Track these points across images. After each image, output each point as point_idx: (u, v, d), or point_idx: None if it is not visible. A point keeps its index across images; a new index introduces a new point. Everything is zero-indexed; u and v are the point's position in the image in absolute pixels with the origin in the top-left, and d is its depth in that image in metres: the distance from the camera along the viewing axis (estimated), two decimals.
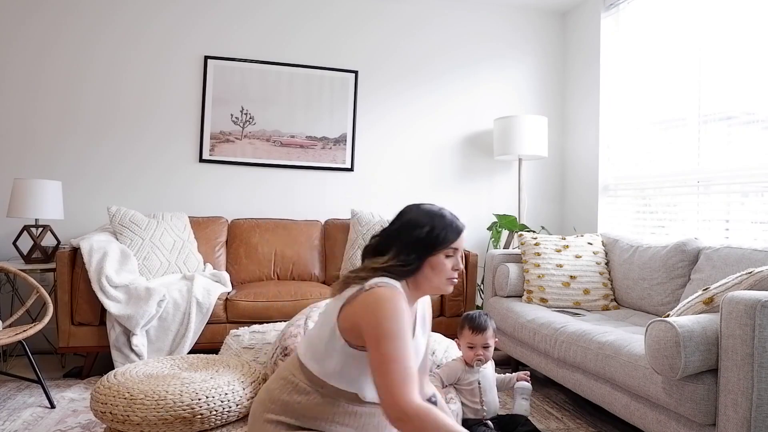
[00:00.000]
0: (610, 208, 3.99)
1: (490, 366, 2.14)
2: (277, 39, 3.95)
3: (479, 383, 2.05)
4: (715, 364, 1.78)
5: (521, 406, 2.10)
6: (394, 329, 1.25)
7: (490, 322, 2.09)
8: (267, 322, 3.02)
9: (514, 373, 2.22)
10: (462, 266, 1.46)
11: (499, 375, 2.20)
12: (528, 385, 2.14)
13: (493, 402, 2.08)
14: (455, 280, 1.44)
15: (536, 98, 4.43)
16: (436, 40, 4.24)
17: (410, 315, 1.36)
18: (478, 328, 2.05)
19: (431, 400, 1.55)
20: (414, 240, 1.39)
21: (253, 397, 1.84)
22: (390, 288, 1.32)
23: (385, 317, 1.26)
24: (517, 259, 3.39)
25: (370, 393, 1.38)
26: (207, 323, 3.01)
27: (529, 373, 2.20)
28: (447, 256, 1.41)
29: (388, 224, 1.48)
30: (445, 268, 1.41)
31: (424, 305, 1.55)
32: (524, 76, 4.41)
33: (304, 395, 1.37)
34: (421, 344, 1.50)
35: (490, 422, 2.03)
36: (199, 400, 1.71)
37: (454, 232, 1.42)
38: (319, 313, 2.12)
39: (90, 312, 2.91)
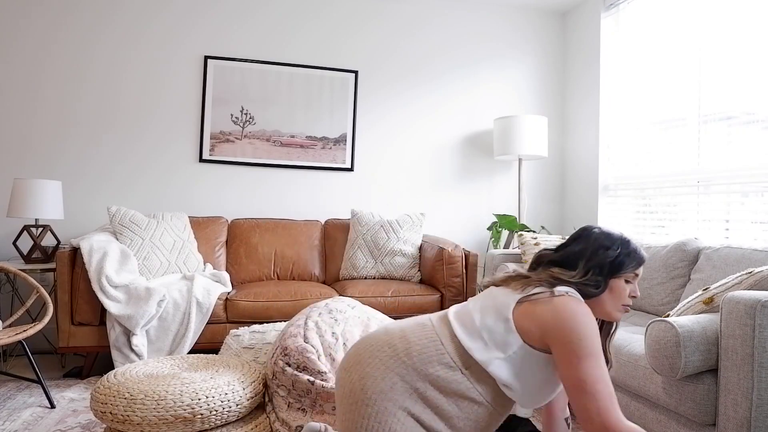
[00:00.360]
0: (610, 208, 3.99)
1: None
2: (277, 39, 3.95)
3: None
4: (715, 364, 1.78)
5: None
6: (595, 348, 1.25)
7: None
8: (267, 322, 3.02)
9: None
10: (638, 293, 1.46)
11: None
12: None
13: None
14: (629, 308, 1.44)
15: (536, 98, 4.43)
16: (436, 40, 4.24)
17: None
18: None
19: (567, 422, 1.58)
20: (603, 261, 1.39)
21: (253, 397, 1.85)
22: (583, 304, 1.31)
23: (586, 335, 1.25)
24: (517, 259, 3.39)
25: (521, 396, 1.33)
26: (207, 323, 3.01)
27: None
28: (626, 281, 1.42)
29: (566, 240, 1.49)
30: (624, 294, 1.41)
31: None
32: (524, 76, 4.41)
33: (446, 368, 1.31)
34: None
35: None
36: (199, 400, 1.71)
37: (639, 257, 1.43)
38: (348, 313, 2.12)
39: (90, 312, 2.91)
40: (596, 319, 1.42)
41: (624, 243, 1.43)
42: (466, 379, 1.30)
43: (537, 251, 1.51)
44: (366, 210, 3.88)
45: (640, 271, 1.44)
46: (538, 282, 1.36)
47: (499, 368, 1.30)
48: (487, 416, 1.34)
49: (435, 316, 1.44)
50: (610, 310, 1.41)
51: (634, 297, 1.42)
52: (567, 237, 1.60)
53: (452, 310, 1.43)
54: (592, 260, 1.40)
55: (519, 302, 1.33)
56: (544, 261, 1.46)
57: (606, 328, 1.51)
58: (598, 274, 1.38)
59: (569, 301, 1.29)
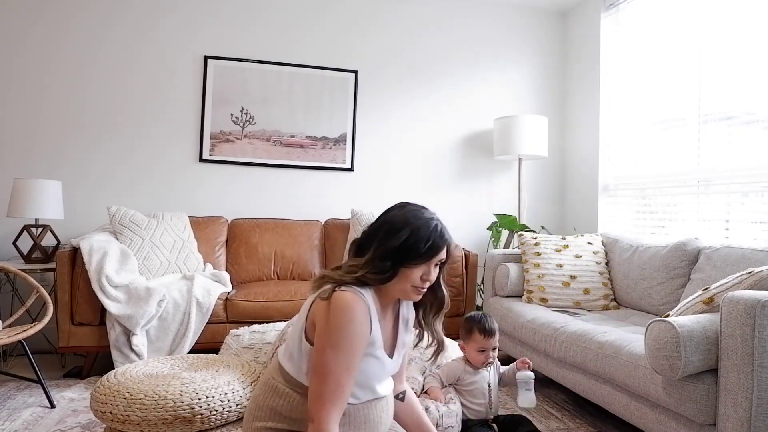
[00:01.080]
0: (610, 208, 3.99)
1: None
2: (278, 39, 3.95)
3: (489, 385, 2.04)
4: (715, 364, 1.78)
5: (526, 398, 1.94)
6: (341, 341, 1.22)
7: (495, 323, 2.09)
8: (267, 322, 3.01)
9: (512, 363, 2.11)
10: (433, 277, 1.35)
11: (503, 370, 2.15)
12: (530, 373, 1.97)
13: (495, 401, 2.07)
14: (422, 290, 1.35)
15: (536, 98, 4.43)
16: (436, 39, 4.24)
17: (378, 323, 1.31)
18: (490, 332, 2.02)
19: (399, 397, 1.55)
20: (390, 246, 1.29)
21: None
22: (353, 295, 1.25)
23: (337, 326, 1.22)
24: (517, 259, 3.39)
25: (359, 395, 1.35)
26: (207, 323, 3.01)
27: (527, 360, 2.03)
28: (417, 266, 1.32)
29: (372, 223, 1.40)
30: (413, 276, 1.31)
31: (409, 304, 1.48)
32: (524, 76, 4.41)
33: (284, 397, 1.34)
34: (402, 344, 1.46)
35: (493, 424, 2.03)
36: (199, 400, 1.70)
37: (434, 246, 1.31)
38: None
39: (90, 312, 2.91)
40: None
41: (418, 226, 1.31)
42: (304, 397, 1.32)
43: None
44: (366, 210, 3.87)
45: (438, 258, 1.33)
46: (329, 279, 1.30)
47: (307, 377, 1.32)
48: (361, 413, 1.36)
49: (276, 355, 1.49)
50: (398, 294, 1.34)
51: (426, 280, 1.33)
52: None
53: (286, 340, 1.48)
54: (381, 246, 1.30)
55: (310, 306, 1.31)
56: (351, 247, 1.39)
57: (435, 305, 1.45)
58: (383, 259, 1.29)
59: (337, 295, 1.24)
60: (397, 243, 1.29)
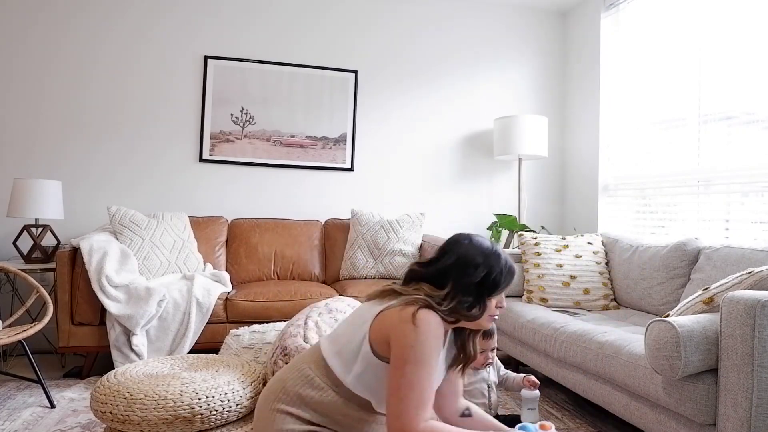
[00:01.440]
0: (610, 208, 3.99)
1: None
2: (278, 39, 3.95)
3: (489, 385, 2.05)
4: (715, 364, 1.78)
5: (529, 416, 1.97)
6: (422, 356, 1.25)
7: (494, 324, 2.08)
8: (267, 322, 3.02)
9: (519, 375, 2.12)
10: (505, 303, 1.45)
11: (503, 373, 2.16)
12: (535, 393, 2.01)
13: (494, 401, 2.08)
14: (496, 317, 1.43)
15: (536, 98, 4.43)
16: (436, 39, 4.24)
17: (443, 339, 1.36)
18: (490, 333, 2.02)
19: (465, 414, 1.56)
20: (471, 282, 1.36)
21: (253, 397, 1.85)
22: (433, 314, 1.30)
23: (418, 341, 1.25)
24: (517, 258, 3.39)
25: (378, 406, 1.39)
26: (207, 323, 3.01)
27: (535, 379, 2.04)
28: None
29: (436, 253, 1.45)
30: (491, 306, 1.40)
31: None
32: (524, 76, 4.41)
33: (319, 391, 1.37)
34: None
35: None
36: (199, 399, 1.71)
37: (510, 275, 1.40)
38: (348, 313, 2.13)
39: (90, 312, 2.91)
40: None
41: (495, 259, 1.39)
42: (341, 397, 1.36)
43: (411, 262, 1.50)
44: (366, 210, 3.88)
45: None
46: (410, 299, 1.34)
47: (356, 383, 1.35)
48: (379, 427, 1.41)
49: (309, 348, 1.51)
50: (480, 322, 1.41)
51: (501, 308, 1.43)
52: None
53: (327, 334, 1.50)
54: (460, 281, 1.36)
55: (378, 314, 1.34)
56: (415, 277, 1.43)
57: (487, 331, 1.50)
58: (465, 294, 1.35)
59: (427, 315, 1.29)
60: (477, 279, 1.37)
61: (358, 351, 1.35)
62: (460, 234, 1.48)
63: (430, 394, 1.26)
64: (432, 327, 1.28)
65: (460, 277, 1.37)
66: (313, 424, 1.37)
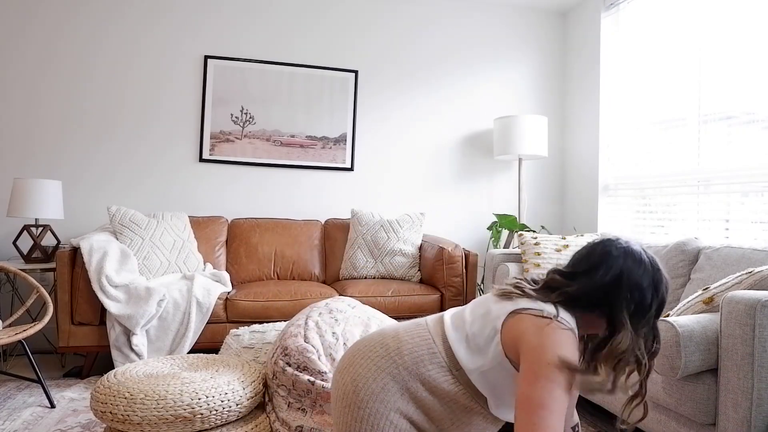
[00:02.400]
0: (610, 207, 3.99)
1: None
2: (278, 39, 3.95)
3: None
4: (715, 363, 1.78)
5: None
6: (557, 377, 1.14)
7: None
8: (267, 322, 3.02)
9: None
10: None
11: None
12: None
13: None
14: None
15: (536, 98, 4.43)
16: (436, 39, 4.24)
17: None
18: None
19: (575, 430, 1.51)
20: (638, 307, 1.22)
21: (253, 397, 1.85)
22: (571, 335, 1.20)
23: (554, 359, 1.15)
24: (517, 258, 3.39)
25: (495, 408, 1.30)
26: (207, 323, 3.01)
27: None
28: None
29: (580, 260, 1.30)
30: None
31: None
32: (524, 75, 4.41)
33: (438, 369, 1.28)
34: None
35: None
36: (199, 399, 1.71)
37: (669, 293, 1.27)
38: (349, 313, 2.11)
39: (90, 312, 2.91)
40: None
41: (660, 279, 1.25)
42: (457, 381, 1.28)
43: (551, 269, 1.35)
44: (366, 210, 3.88)
45: None
46: (537, 299, 1.26)
47: (479, 378, 1.27)
48: (481, 420, 1.33)
49: (431, 317, 1.42)
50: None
51: None
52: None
53: (449, 312, 1.41)
54: (619, 304, 1.22)
55: (511, 314, 1.25)
56: (556, 288, 1.29)
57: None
58: (642, 325, 1.23)
59: (557, 327, 1.19)
60: (645, 305, 1.23)
61: (487, 347, 1.26)
62: (611, 242, 1.30)
63: (561, 419, 1.14)
64: (568, 344, 1.18)
65: (622, 303, 1.22)
66: (413, 400, 1.28)
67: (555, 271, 1.33)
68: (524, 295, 1.28)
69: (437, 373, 1.28)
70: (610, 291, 1.24)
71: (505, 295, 1.31)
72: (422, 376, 1.29)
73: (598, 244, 1.32)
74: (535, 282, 1.34)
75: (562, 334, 1.18)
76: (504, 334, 1.24)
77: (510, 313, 1.25)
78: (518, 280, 1.34)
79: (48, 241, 3.39)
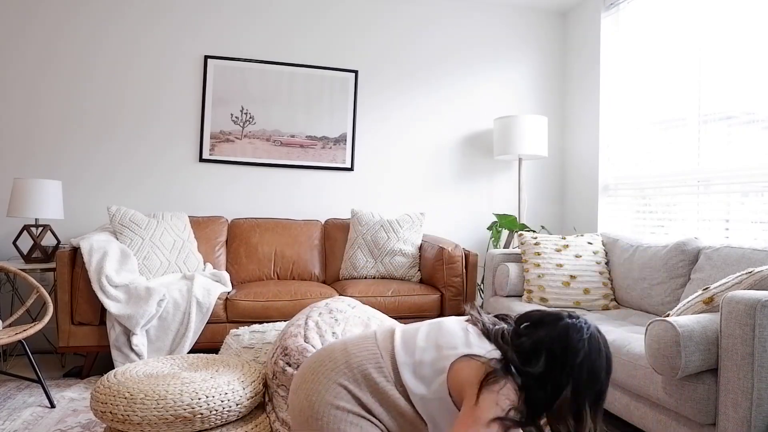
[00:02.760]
0: (610, 207, 3.99)
1: None
2: (278, 39, 3.95)
3: None
4: (715, 363, 1.78)
5: None
6: (490, 415, 1.16)
7: None
8: (267, 322, 3.02)
9: None
10: None
11: None
12: None
13: None
14: None
15: (536, 98, 4.43)
16: (436, 39, 4.24)
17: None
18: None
19: None
20: (587, 397, 1.23)
21: (253, 397, 1.85)
22: (513, 384, 1.20)
23: (492, 415, 1.15)
24: (517, 258, 3.39)
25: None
26: (207, 323, 3.01)
27: None
28: None
29: (532, 340, 1.26)
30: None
31: None
32: (524, 75, 4.41)
33: (385, 380, 1.32)
34: None
35: None
36: (199, 399, 1.71)
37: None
38: (348, 314, 2.10)
39: (90, 312, 2.91)
40: None
41: (609, 368, 1.26)
42: (401, 396, 1.31)
43: (497, 327, 1.34)
44: (366, 210, 3.88)
45: None
46: (497, 345, 1.27)
47: (419, 402, 1.30)
48: None
49: (381, 330, 1.45)
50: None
51: None
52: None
53: (399, 329, 1.44)
54: (579, 390, 1.22)
55: (463, 357, 1.28)
56: (513, 347, 1.27)
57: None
58: (578, 405, 1.23)
59: (498, 382, 1.19)
60: (593, 396, 1.25)
61: (432, 379, 1.30)
62: (574, 331, 1.25)
63: None
64: (509, 401, 1.18)
65: (580, 389, 1.22)
66: (366, 409, 1.31)
67: (503, 329, 1.32)
68: (481, 333, 1.31)
69: (384, 384, 1.32)
70: (564, 379, 1.22)
71: (462, 329, 1.33)
72: (371, 385, 1.32)
73: (569, 337, 1.26)
74: (495, 324, 1.35)
75: (506, 387, 1.18)
76: (451, 374, 1.27)
77: (462, 356, 1.28)
78: (477, 317, 1.35)
79: (48, 241, 3.39)
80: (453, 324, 1.39)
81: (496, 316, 1.43)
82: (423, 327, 1.42)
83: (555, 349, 1.24)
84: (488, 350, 1.28)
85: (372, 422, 1.31)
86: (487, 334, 1.33)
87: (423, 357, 1.33)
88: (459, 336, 1.34)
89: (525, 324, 1.33)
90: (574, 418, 1.23)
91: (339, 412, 1.29)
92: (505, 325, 1.36)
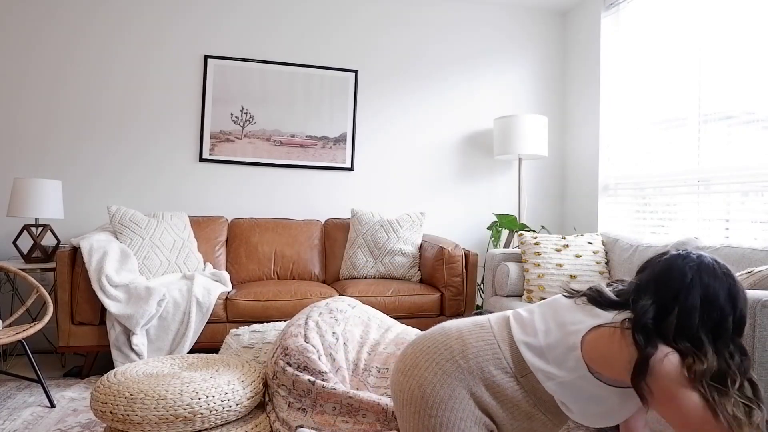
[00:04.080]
0: (610, 207, 3.99)
1: None
2: (278, 38, 3.95)
3: None
4: None
5: None
6: (682, 393, 1.11)
7: None
8: (267, 322, 3.02)
9: None
10: None
11: None
12: None
13: None
14: None
15: (536, 98, 4.43)
16: (436, 39, 4.24)
17: None
18: None
19: None
20: (725, 331, 1.16)
21: (253, 397, 1.85)
22: (682, 371, 1.13)
23: (672, 389, 1.11)
24: (517, 258, 3.39)
25: (582, 416, 1.27)
26: (207, 323, 3.01)
27: None
28: None
29: (651, 284, 1.22)
30: None
31: None
32: (524, 75, 4.41)
33: (503, 374, 1.27)
34: None
35: None
36: (199, 399, 1.71)
37: (747, 307, 1.22)
38: (349, 313, 2.09)
39: (90, 311, 2.91)
40: None
41: (738, 290, 1.20)
42: (521, 388, 1.27)
43: (628, 282, 1.29)
44: (366, 209, 3.88)
45: None
46: (627, 319, 1.19)
47: (558, 387, 1.25)
48: (540, 426, 1.32)
49: (494, 317, 1.40)
50: None
51: None
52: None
53: (513, 315, 1.38)
54: (709, 327, 1.15)
55: (594, 328, 1.22)
56: (645, 306, 1.20)
57: None
58: (724, 345, 1.16)
59: (669, 365, 1.13)
60: (731, 323, 1.18)
61: (563, 361, 1.24)
62: (679, 258, 1.23)
63: (715, 419, 1.11)
64: (683, 385, 1.12)
65: (713, 326, 1.16)
66: (480, 407, 1.27)
67: (634, 288, 1.26)
68: (602, 304, 1.24)
69: (501, 378, 1.28)
70: (691, 314, 1.17)
71: (579, 303, 1.28)
72: (487, 380, 1.28)
73: (667, 259, 1.25)
74: (610, 289, 1.29)
75: (677, 374, 1.13)
76: (585, 348, 1.21)
77: (591, 328, 1.22)
78: (595, 288, 1.29)
79: (48, 240, 3.39)
80: (564, 300, 1.34)
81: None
82: (536, 310, 1.38)
83: (662, 278, 1.21)
84: (612, 316, 1.22)
85: (485, 423, 1.28)
86: (600, 301, 1.26)
87: (548, 340, 1.27)
88: (577, 310, 1.28)
89: (638, 274, 1.29)
90: (694, 346, 1.15)
91: (453, 415, 1.26)
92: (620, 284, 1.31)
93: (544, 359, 1.27)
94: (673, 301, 1.18)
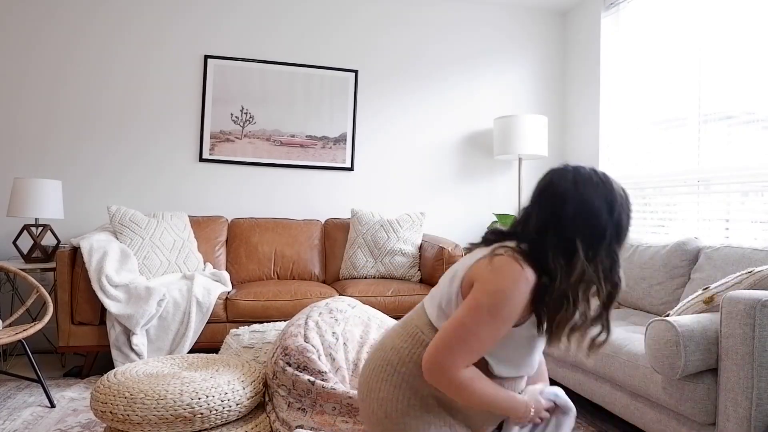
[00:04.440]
0: None
1: None
2: (278, 38, 3.95)
3: None
4: (715, 363, 1.78)
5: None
6: (496, 309, 1.13)
7: None
8: (267, 322, 3.02)
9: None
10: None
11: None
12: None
13: None
14: None
15: (536, 98, 4.43)
16: (436, 39, 4.24)
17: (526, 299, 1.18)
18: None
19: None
20: (593, 234, 1.16)
21: (253, 396, 1.85)
22: (520, 266, 1.15)
23: (496, 292, 1.13)
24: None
25: (498, 368, 1.27)
26: (207, 323, 3.01)
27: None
28: None
29: (537, 197, 1.26)
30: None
31: None
32: (524, 75, 4.41)
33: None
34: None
35: None
36: (199, 399, 1.71)
37: (628, 215, 1.21)
38: (349, 313, 2.10)
39: (90, 311, 2.91)
40: None
41: (615, 197, 1.20)
42: None
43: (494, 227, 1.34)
44: (366, 209, 3.88)
45: None
46: (503, 246, 1.22)
47: None
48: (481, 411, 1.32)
49: (414, 311, 1.41)
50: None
51: None
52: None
53: (426, 297, 1.41)
54: (589, 238, 1.16)
55: (472, 265, 1.24)
56: (513, 230, 1.27)
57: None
58: (596, 253, 1.17)
59: (504, 260, 1.16)
60: (605, 228, 1.18)
61: (453, 303, 1.25)
62: (554, 172, 1.28)
63: (483, 349, 1.16)
64: (517, 278, 1.14)
65: (587, 234, 1.16)
66: (438, 401, 1.28)
67: (522, 213, 1.30)
68: (494, 241, 1.27)
69: None
70: (560, 216, 1.19)
71: (468, 250, 1.32)
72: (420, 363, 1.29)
73: (546, 174, 1.30)
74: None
75: (512, 265, 1.15)
76: (465, 285, 1.23)
77: (471, 265, 1.24)
78: (489, 230, 1.33)
79: (48, 240, 3.39)
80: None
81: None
82: (441, 280, 1.39)
83: (539, 192, 1.26)
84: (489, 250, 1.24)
85: (451, 423, 1.29)
86: (493, 239, 1.30)
87: (443, 297, 1.29)
88: (467, 257, 1.30)
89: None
90: (563, 256, 1.16)
91: (415, 421, 1.27)
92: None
93: (443, 314, 1.28)
94: (552, 216, 1.19)
